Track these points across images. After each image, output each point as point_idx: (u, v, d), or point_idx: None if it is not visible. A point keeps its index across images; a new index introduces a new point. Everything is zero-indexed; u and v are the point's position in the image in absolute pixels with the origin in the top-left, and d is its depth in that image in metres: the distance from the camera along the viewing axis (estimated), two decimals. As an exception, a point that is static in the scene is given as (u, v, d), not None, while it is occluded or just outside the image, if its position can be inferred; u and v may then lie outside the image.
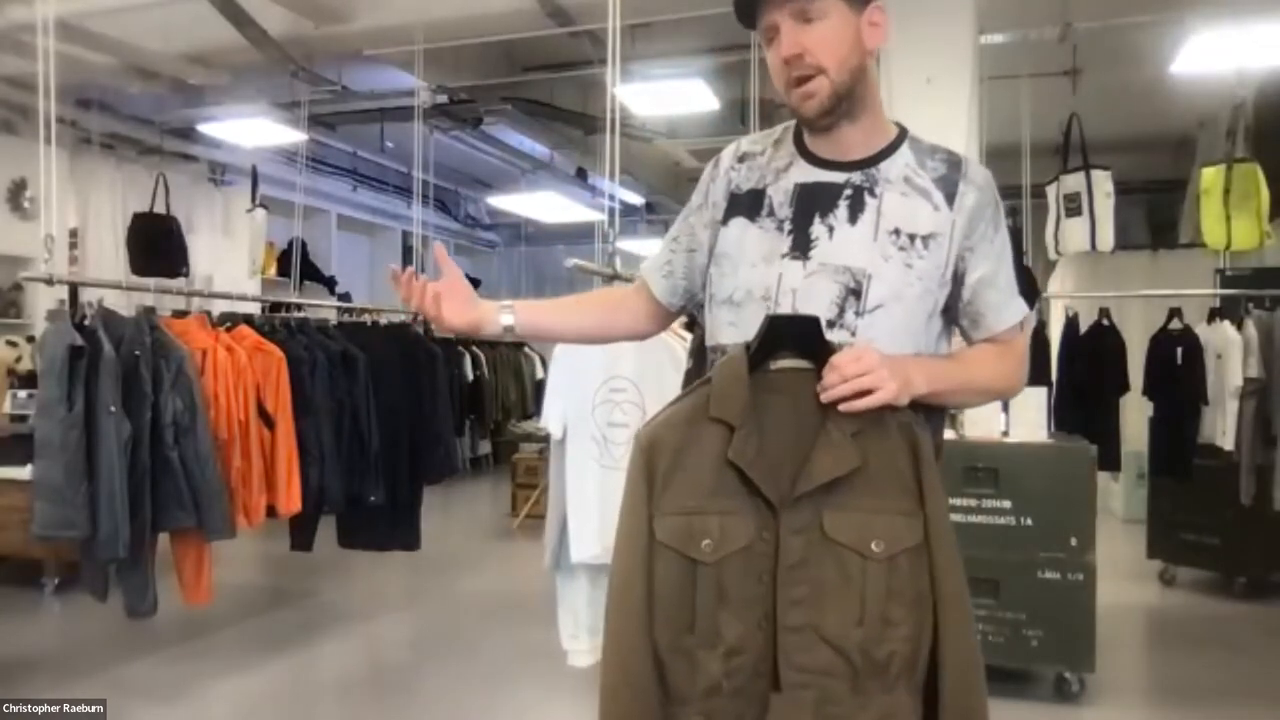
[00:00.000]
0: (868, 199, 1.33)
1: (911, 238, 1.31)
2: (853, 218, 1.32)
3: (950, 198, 1.33)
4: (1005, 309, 1.38)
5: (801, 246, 1.32)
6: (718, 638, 1.18)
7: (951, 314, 1.39)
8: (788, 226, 1.34)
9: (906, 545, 1.18)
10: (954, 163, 1.36)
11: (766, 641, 1.18)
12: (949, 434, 3.33)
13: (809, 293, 1.31)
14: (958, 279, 1.35)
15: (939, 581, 1.19)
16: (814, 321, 1.24)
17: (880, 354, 1.21)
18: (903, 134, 1.38)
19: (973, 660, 1.21)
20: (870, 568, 1.17)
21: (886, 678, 1.17)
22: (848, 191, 1.33)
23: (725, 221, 1.40)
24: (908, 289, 1.31)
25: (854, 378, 1.18)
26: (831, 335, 1.27)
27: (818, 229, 1.32)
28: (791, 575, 1.17)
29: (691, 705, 1.19)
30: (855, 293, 1.30)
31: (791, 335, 1.23)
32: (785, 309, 1.30)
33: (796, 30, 1.28)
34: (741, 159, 1.43)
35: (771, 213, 1.36)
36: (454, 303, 1.41)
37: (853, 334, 1.29)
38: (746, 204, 1.39)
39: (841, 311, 1.30)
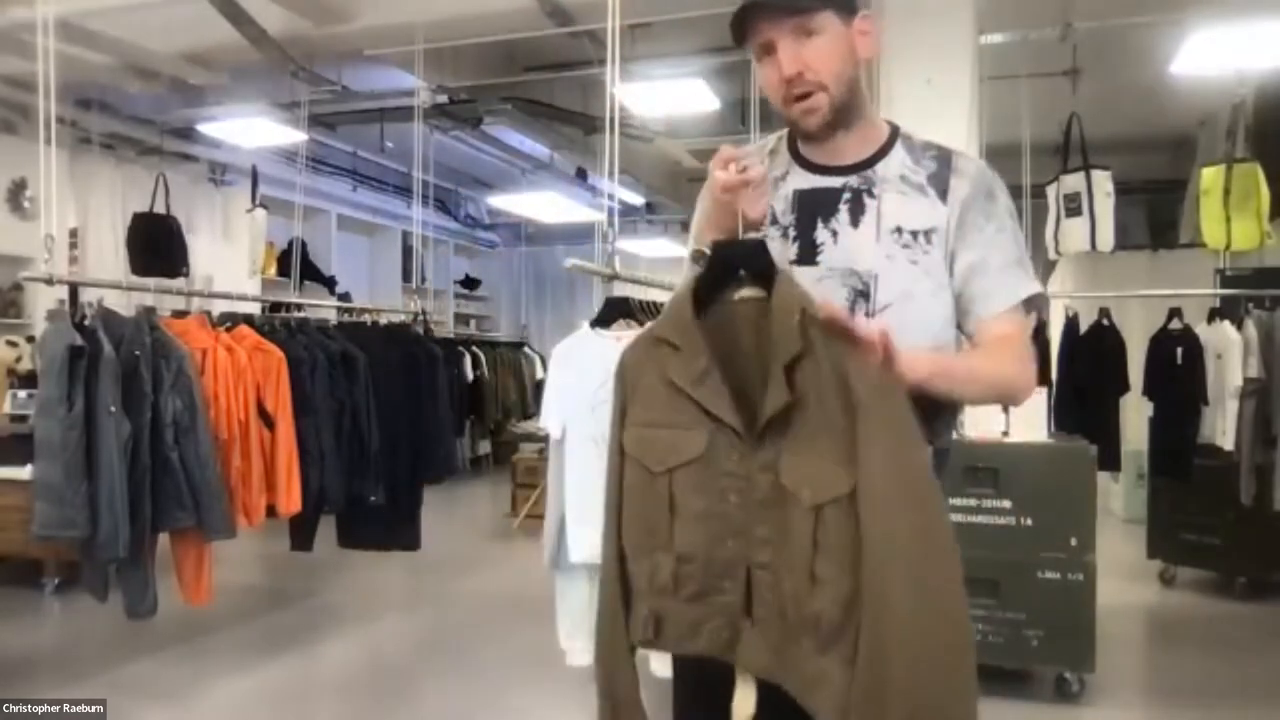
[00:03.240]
0: (867, 200, 1.33)
1: (914, 234, 1.32)
2: (854, 220, 1.33)
3: (943, 194, 1.34)
4: (994, 296, 1.34)
5: (808, 252, 1.34)
6: (670, 543, 1.22)
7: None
8: (792, 233, 1.35)
9: (834, 495, 1.10)
10: (944, 158, 1.37)
11: (734, 561, 1.19)
12: (949, 434, 3.32)
13: (819, 296, 1.30)
14: (952, 271, 1.35)
15: (866, 540, 1.07)
16: (758, 246, 1.25)
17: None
18: (895, 133, 1.39)
19: (901, 641, 1.04)
20: (800, 516, 1.12)
21: (816, 638, 1.12)
22: (846, 195, 1.34)
23: None
24: (916, 286, 1.31)
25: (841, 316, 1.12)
26: None
27: (822, 234, 1.34)
28: (760, 513, 1.17)
29: (644, 600, 1.25)
30: (864, 294, 1.31)
31: (744, 262, 1.24)
32: None
33: (796, 47, 1.28)
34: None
35: (775, 220, 1.37)
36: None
37: None
38: None
39: (852, 314, 1.29)
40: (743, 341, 1.22)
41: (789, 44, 1.28)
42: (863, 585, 1.07)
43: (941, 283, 1.33)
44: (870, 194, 1.33)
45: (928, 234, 1.32)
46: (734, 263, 1.24)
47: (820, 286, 1.31)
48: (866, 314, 1.30)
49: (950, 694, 1.07)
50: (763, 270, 1.22)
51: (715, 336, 1.21)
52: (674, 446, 1.22)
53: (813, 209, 1.35)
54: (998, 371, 1.34)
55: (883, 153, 1.36)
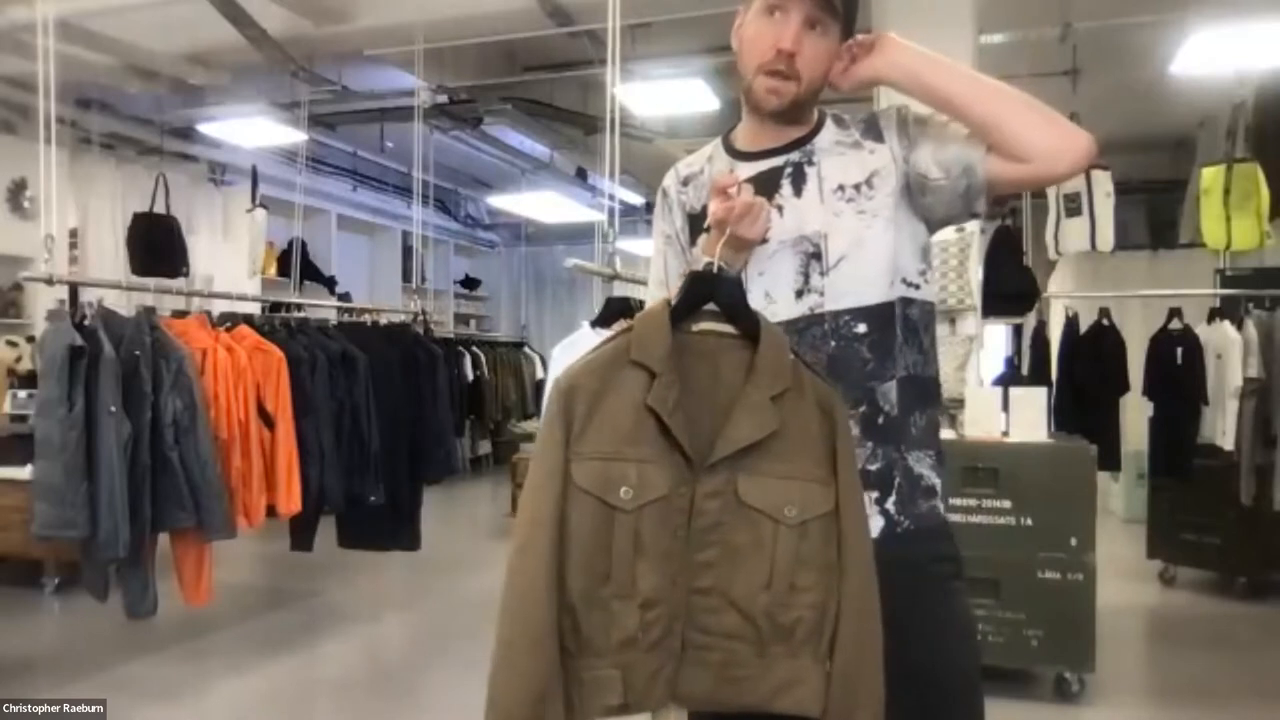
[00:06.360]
0: (807, 169, 1.38)
1: (855, 187, 1.36)
2: (797, 191, 1.37)
3: (879, 137, 1.38)
4: (976, 141, 1.32)
5: None
6: (634, 589, 1.15)
7: (938, 211, 1.37)
8: None
9: (819, 512, 1.18)
10: (871, 118, 1.42)
11: (682, 599, 1.18)
12: (948, 434, 3.33)
13: (774, 271, 1.35)
14: (917, 180, 1.35)
15: (845, 550, 1.18)
16: (736, 283, 1.25)
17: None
18: (824, 114, 1.44)
19: (870, 631, 1.19)
20: (781, 533, 1.17)
21: (791, 643, 1.17)
22: (788, 170, 1.39)
23: (694, 242, 1.45)
24: (866, 231, 1.34)
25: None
26: (801, 303, 1.33)
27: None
28: (703, 538, 1.17)
29: (606, 658, 1.15)
30: (816, 256, 1.34)
31: (716, 296, 1.23)
32: (756, 291, 1.33)
33: (803, 32, 1.31)
34: (685, 182, 1.51)
35: None
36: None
37: (821, 294, 1.33)
38: (703, 219, 1.43)
39: (806, 278, 1.34)
40: (698, 373, 1.20)
41: (799, 21, 1.31)
42: (844, 593, 1.18)
43: (887, 217, 1.35)
44: (810, 163, 1.38)
45: (869, 180, 1.36)
46: (708, 295, 1.23)
47: (773, 260, 1.35)
48: (821, 273, 1.33)
49: (874, 672, 1.21)
50: (739, 306, 1.23)
51: (677, 363, 1.20)
52: (646, 481, 1.15)
53: (758, 192, 1.36)
54: (1027, 100, 1.30)
55: (816, 130, 1.41)
